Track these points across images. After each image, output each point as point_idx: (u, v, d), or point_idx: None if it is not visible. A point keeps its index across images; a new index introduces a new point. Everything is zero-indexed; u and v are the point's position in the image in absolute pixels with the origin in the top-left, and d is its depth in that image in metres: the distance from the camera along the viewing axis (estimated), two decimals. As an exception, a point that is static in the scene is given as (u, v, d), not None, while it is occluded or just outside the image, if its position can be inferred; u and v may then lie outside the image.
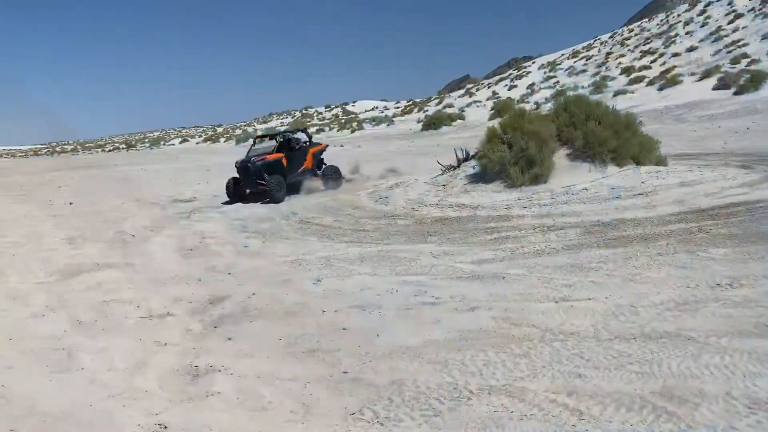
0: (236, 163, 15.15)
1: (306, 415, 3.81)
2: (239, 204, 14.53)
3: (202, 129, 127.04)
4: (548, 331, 4.83)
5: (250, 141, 17.33)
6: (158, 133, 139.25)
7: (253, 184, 14.56)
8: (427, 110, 62.95)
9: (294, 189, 15.13)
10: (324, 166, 16.25)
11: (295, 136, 16.71)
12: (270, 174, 14.63)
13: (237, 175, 15.36)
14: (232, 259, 8.58)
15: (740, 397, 3.56)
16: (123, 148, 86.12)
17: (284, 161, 15.10)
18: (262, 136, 17.45)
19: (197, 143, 74.74)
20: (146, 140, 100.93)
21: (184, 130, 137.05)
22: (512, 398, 3.79)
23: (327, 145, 17.16)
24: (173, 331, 5.67)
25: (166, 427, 3.79)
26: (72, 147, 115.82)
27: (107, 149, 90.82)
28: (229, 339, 5.30)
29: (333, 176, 15.92)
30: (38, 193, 21.92)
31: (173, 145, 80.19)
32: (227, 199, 15.06)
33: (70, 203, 17.68)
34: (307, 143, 16.38)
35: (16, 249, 10.51)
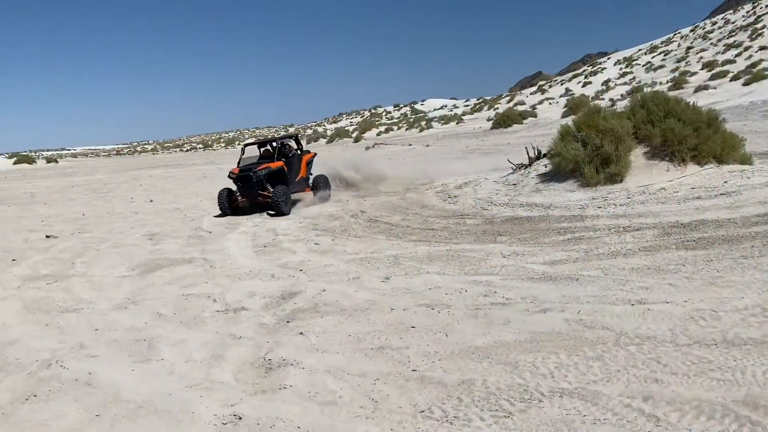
0: (231, 173, 13.83)
1: (375, 411, 3.85)
2: (307, 202, 14.74)
3: (274, 129, 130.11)
4: (623, 334, 4.68)
5: (246, 148, 15.89)
6: (233, 133, 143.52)
7: (253, 195, 13.40)
8: (497, 108, 62.21)
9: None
10: (311, 176, 15.19)
11: (289, 143, 15.44)
12: (272, 184, 13.60)
13: (230, 186, 14.30)
14: (304, 256, 8.74)
15: (834, 409, 3.34)
16: (200, 148, 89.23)
17: (285, 170, 13.97)
18: (254, 144, 15.79)
19: (270, 143, 76.36)
20: (222, 140, 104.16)
21: (258, 130, 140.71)
22: (585, 402, 3.70)
23: (316, 154, 16.05)
24: (248, 324, 5.84)
25: (240, 418, 3.90)
26: (152, 147, 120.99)
27: (185, 149, 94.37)
28: (301, 333, 5.41)
29: (323, 187, 14.85)
30: (121, 191, 23.04)
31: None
32: (219, 212, 13.85)
33: (150, 201, 18.49)
34: (299, 151, 15.26)
35: (100, 244, 11.09)
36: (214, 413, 4.00)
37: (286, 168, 13.97)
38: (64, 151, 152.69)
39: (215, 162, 41.09)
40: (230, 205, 13.53)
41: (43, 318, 6.52)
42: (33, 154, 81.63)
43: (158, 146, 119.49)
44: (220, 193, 13.66)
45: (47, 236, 12.32)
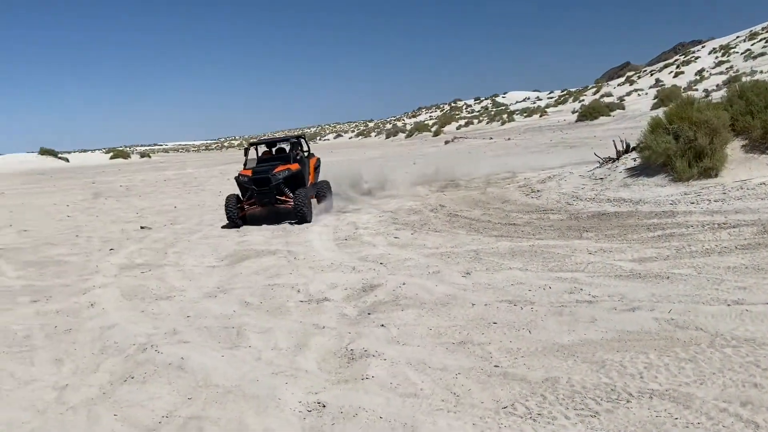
0: (241, 175, 12.41)
1: (457, 405, 3.84)
2: (385, 196, 14.80)
3: (354, 124, 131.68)
4: (718, 335, 4.45)
5: (255, 149, 14.32)
6: (314, 128, 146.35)
7: (271, 200, 12.11)
8: (582, 100, 60.35)
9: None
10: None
11: (300, 144, 13.97)
12: (290, 189, 12.29)
13: (238, 192, 12.85)
14: (384, 249, 8.81)
15: None
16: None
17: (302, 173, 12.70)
18: (260, 143, 14.05)
19: (350, 138, 77.43)
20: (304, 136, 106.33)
21: (339, 126, 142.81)
22: (677, 404, 3.54)
23: (319, 158, 14.59)
24: (330, 315, 5.95)
25: (324, 406, 3.99)
26: (238, 142, 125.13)
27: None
28: (382, 326, 5.46)
29: (328, 195, 13.73)
30: (210, 185, 23.99)
31: (328, 140, 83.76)
32: (226, 221, 12.54)
33: (238, 194, 19.12)
34: (307, 153, 13.87)
35: (190, 235, 11.59)
36: (299, 400, 4.10)
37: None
38: (156, 147, 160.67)
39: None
40: (239, 212, 12.09)
41: (138, 305, 6.89)
42: (127, 149, 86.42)
43: (244, 141, 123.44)
44: (228, 201, 11.94)
45: (141, 227, 13.01)
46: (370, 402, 3.97)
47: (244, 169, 12.74)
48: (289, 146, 13.31)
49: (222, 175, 29.39)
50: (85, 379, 4.80)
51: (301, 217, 11.61)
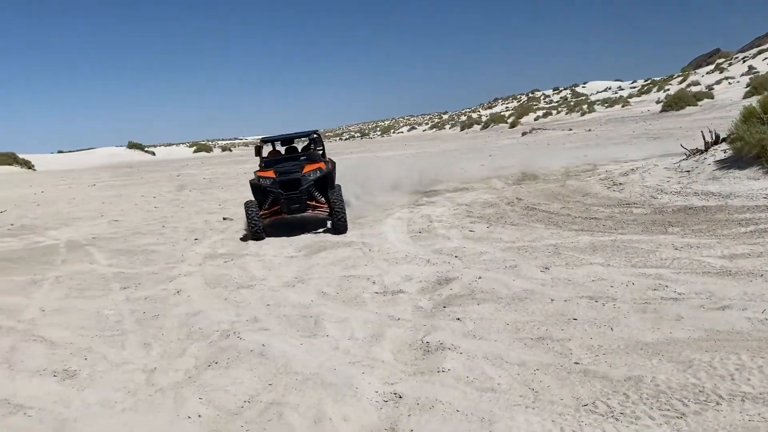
0: (262, 178, 10.47)
1: (535, 401, 3.78)
2: (460, 189, 14.69)
3: (428, 116, 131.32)
4: (820, 339, 4.17)
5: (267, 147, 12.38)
6: (388, 121, 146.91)
7: (302, 206, 10.26)
8: (668, 89, 57.79)
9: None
10: None
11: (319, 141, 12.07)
12: (321, 191, 10.59)
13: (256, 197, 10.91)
14: (459, 242, 8.75)
15: None
16: (357, 137, 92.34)
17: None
18: (278, 139, 11.96)
19: (423, 130, 77.28)
20: (378, 128, 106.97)
21: (413, 118, 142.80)
22: (773, 410, 3.35)
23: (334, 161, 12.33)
24: (405, 307, 5.98)
25: (401, 397, 4.02)
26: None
27: (344, 137, 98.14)
28: (458, 319, 5.43)
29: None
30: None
31: (401, 132, 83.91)
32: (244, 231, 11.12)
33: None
34: (322, 152, 11.83)
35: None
36: (376, 390, 4.15)
37: None
38: (237, 140, 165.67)
39: (371, 150, 42.37)
40: (262, 224, 10.25)
41: (221, 293, 7.14)
42: (210, 143, 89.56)
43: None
44: (249, 208, 10.11)
45: (224, 218, 13.47)
46: (447, 395, 3.97)
47: (262, 170, 10.73)
48: (300, 144, 11.76)
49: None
50: (172, 363, 5.03)
51: (342, 224, 9.92)
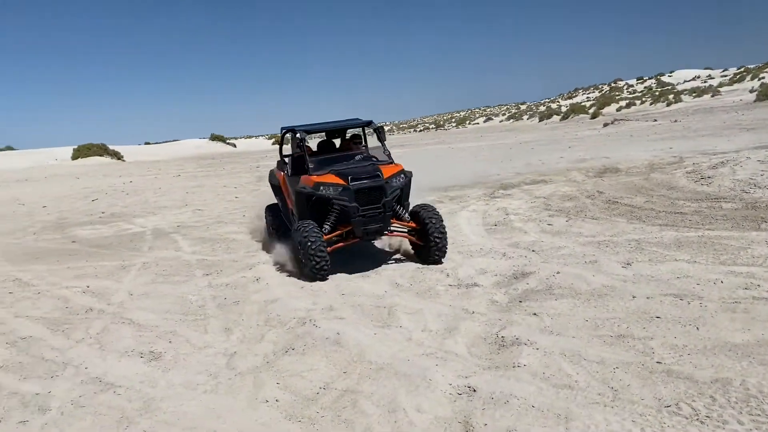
0: (319, 185, 7.26)
1: (614, 400, 3.66)
2: (536, 180, 14.36)
3: (505, 107, 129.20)
4: None
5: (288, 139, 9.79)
6: (464, 112, 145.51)
7: (384, 225, 7.33)
8: (762, 78, 54.44)
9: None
10: None
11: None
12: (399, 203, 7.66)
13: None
14: (536, 236, 8.58)
15: None
16: (432, 128, 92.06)
17: None
18: (317, 130, 8.70)
19: (500, 121, 76.07)
20: (453, 120, 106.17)
21: (489, 109, 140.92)
22: None
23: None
24: (480, 300, 5.92)
25: (474, 390, 3.99)
26: (388, 128, 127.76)
27: (419, 129, 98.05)
28: (534, 314, 5.34)
29: None
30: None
31: (477, 123, 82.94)
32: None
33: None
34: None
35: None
36: (450, 383, 4.14)
37: None
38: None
39: (446, 141, 42.15)
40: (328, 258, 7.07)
41: (298, 281, 7.29)
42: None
43: (394, 127, 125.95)
44: (308, 234, 6.95)
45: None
46: (522, 390, 3.91)
47: (316, 174, 7.42)
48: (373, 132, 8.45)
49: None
50: (251, 348, 5.19)
51: (441, 255, 7.45)
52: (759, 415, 3.32)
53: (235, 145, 63.52)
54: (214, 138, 62.78)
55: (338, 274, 7.38)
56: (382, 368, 4.50)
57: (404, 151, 34.15)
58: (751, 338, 4.31)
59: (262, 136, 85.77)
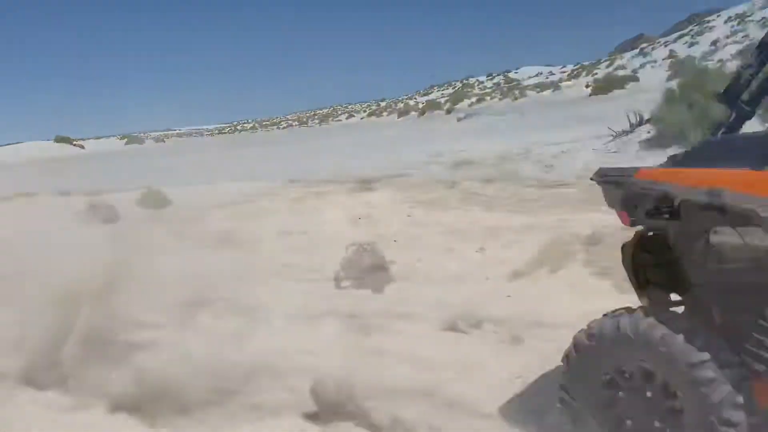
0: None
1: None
2: (398, 175, 14.80)
3: (366, 104, 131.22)
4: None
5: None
6: (327, 109, 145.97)
7: None
8: (596, 74, 59.63)
9: None
10: None
11: None
12: None
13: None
14: (398, 227, 8.88)
15: None
16: (296, 125, 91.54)
17: None
18: None
19: (361, 118, 77.29)
20: (316, 117, 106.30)
21: (350, 106, 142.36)
22: None
23: None
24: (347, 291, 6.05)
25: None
26: (251, 126, 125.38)
27: (282, 126, 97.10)
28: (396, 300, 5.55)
29: None
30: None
31: (340, 120, 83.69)
32: None
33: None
34: None
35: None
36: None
37: None
38: (170, 132, 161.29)
39: (311, 139, 42.18)
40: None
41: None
42: (142, 135, 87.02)
43: (257, 125, 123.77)
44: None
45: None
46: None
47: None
48: None
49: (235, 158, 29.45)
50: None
51: None
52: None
53: (83, 147, 59.26)
54: (60, 140, 58.15)
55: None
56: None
57: (268, 150, 33.76)
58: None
59: (113, 136, 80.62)
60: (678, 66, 37.78)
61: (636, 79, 44.72)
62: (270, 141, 45.13)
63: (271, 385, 3.94)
